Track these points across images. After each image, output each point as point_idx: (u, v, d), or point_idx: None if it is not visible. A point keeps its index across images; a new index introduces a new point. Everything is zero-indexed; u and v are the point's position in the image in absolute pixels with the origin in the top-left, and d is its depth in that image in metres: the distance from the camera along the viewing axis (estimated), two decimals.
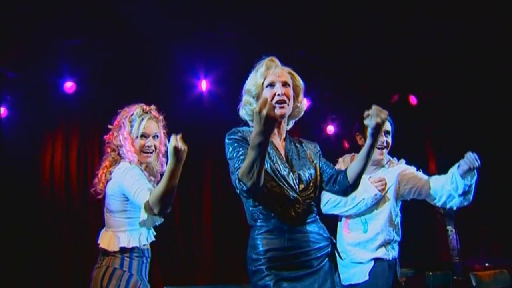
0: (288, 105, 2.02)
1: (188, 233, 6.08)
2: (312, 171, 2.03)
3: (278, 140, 2.08)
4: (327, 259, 1.93)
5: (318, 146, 2.20)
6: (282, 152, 2.04)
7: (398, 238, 2.74)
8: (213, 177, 6.41)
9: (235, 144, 1.94)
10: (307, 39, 5.49)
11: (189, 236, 6.09)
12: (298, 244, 1.90)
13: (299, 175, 1.98)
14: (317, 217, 2.02)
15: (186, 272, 5.90)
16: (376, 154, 2.71)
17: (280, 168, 1.96)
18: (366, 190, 2.66)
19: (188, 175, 6.55)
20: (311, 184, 2.00)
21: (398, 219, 2.77)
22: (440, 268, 5.39)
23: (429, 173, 2.75)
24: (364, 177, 2.50)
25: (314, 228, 1.95)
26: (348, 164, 2.55)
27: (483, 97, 5.78)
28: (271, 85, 2.03)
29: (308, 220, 1.95)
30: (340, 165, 2.87)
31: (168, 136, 2.35)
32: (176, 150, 1.86)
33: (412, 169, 2.81)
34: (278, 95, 1.99)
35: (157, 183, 2.22)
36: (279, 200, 1.92)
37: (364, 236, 2.70)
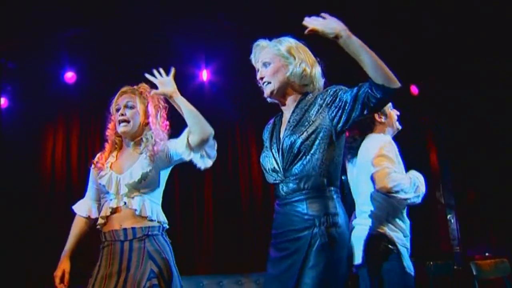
0: (270, 82, 2.00)
1: (188, 223, 6.08)
2: (295, 137, 1.83)
3: (288, 114, 1.99)
4: (306, 241, 1.71)
5: (329, 91, 1.96)
6: (283, 127, 1.96)
7: None
8: (214, 167, 6.36)
9: None
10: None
11: (189, 226, 6.10)
12: (277, 225, 1.86)
13: (281, 147, 1.87)
14: (311, 194, 1.78)
15: (186, 262, 5.90)
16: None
17: (267, 149, 1.97)
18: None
19: (188, 165, 6.53)
20: (290, 154, 1.83)
21: None
22: (441, 258, 5.41)
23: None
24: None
25: (296, 208, 1.78)
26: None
27: (485, 87, 5.75)
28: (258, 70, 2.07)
29: (292, 199, 1.80)
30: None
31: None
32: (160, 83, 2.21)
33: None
34: (261, 78, 2.04)
35: (154, 152, 2.37)
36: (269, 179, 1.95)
37: None
